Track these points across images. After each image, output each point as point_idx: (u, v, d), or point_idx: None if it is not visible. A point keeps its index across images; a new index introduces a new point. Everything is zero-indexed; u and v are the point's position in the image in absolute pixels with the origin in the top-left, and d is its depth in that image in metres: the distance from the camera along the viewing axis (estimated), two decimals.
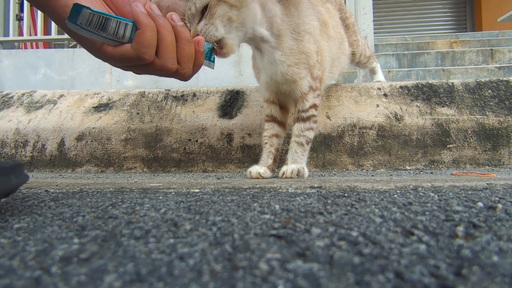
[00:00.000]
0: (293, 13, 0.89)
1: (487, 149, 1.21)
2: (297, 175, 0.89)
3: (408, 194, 0.53)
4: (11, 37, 2.43)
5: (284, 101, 1.03)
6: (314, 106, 0.94)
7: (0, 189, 0.40)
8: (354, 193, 0.54)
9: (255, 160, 1.17)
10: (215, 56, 0.73)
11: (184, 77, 0.59)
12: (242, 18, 0.78)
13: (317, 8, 0.99)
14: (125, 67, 0.57)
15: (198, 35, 0.73)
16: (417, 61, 2.65)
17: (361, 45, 1.36)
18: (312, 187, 0.61)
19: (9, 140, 1.42)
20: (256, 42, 0.87)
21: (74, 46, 2.92)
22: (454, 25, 5.79)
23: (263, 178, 0.93)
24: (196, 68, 0.60)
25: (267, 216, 0.40)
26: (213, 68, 0.71)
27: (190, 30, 0.75)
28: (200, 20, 0.75)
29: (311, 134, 0.95)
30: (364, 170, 1.21)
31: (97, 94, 1.52)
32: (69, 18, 0.47)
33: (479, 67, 2.31)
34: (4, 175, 0.40)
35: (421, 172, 1.12)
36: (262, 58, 0.90)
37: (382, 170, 1.21)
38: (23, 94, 1.58)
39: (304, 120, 0.94)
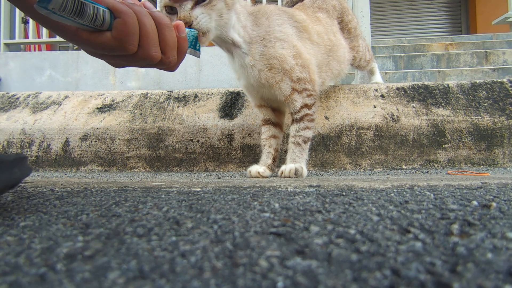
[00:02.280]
0: (263, 22, 0.92)
1: (482, 149, 1.22)
2: (295, 174, 0.90)
3: (404, 193, 0.53)
4: (17, 39, 2.44)
5: (274, 105, 1.05)
6: (306, 106, 0.95)
7: (5, 182, 0.40)
8: (352, 192, 0.54)
9: (255, 160, 1.18)
10: (199, 44, 0.67)
11: (170, 66, 0.55)
12: (227, 19, 0.82)
13: (295, 17, 1.02)
14: (101, 56, 0.52)
15: (189, 20, 0.73)
16: (413, 63, 2.66)
17: (361, 50, 1.36)
18: (310, 186, 0.61)
19: (15, 140, 1.42)
20: (227, 45, 0.89)
21: (79, 49, 2.91)
22: (449, 28, 5.81)
23: (263, 177, 0.94)
24: (180, 56, 0.56)
25: (267, 215, 0.40)
26: (198, 57, 0.67)
27: (177, 11, 0.75)
28: (194, 6, 0.74)
29: (308, 133, 0.96)
30: (361, 170, 1.22)
31: (101, 95, 1.53)
32: (38, 3, 0.42)
33: (473, 69, 2.32)
34: (8, 168, 0.40)
35: (417, 172, 1.13)
36: (234, 62, 0.93)
37: (379, 169, 1.22)
38: (28, 95, 1.58)
39: (298, 120, 0.95)
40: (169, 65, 0.55)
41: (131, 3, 0.49)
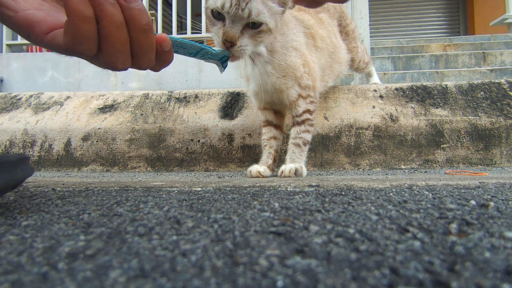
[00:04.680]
0: (284, 31, 0.93)
1: (480, 149, 1.23)
2: (295, 174, 0.91)
3: (403, 192, 0.54)
4: (19, 40, 2.45)
5: (277, 108, 1.07)
6: (308, 111, 0.98)
7: (7, 182, 0.40)
8: (351, 192, 0.55)
9: (255, 160, 1.18)
10: (227, 63, 0.65)
11: (144, 69, 0.48)
12: (266, 42, 0.82)
13: (304, 23, 1.03)
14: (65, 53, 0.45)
15: (235, 42, 0.69)
16: (411, 63, 2.67)
17: (360, 52, 1.38)
18: (310, 186, 0.61)
19: (18, 140, 1.43)
20: (253, 56, 0.89)
21: None
22: (447, 29, 5.82)
23: (263, 177, 0.94)
24: (162, 65, 0.48)
25: (267, 214, 0.40)
26: (221, 72, 0.64)
27: (224, 19, 0.70)
28: (242, 31, 0.71)
29: (307, 136, 0.98)
30: (360, 169, 1.23)
31: (103, 95, 1.53)
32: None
33: (471, 70, 2.33)
34: (11, 168, 0.40)
35: (415, 171, 1.13)
36: (254, 70, 0.93)
37: (378, 169, 1.22)
38: (31, 96, 1.59)
39: (299, 123, 0.98)
40: (144, 69, 0.48)
41: (101, 0, 0.39)
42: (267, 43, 0.83)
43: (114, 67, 0.45)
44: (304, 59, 0.96)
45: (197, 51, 0.54)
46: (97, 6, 0.39)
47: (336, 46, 1.17)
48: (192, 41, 0.53)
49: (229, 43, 0.70)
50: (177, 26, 2.40)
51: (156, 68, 0.49)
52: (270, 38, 0.81)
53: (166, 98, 1.46)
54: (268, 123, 1.06)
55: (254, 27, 0.73)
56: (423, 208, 0.42)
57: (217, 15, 0.72)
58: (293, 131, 0.98)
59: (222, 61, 0.61)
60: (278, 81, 0.93)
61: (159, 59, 0.47)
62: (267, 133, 1.05)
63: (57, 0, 0.48)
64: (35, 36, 0.43)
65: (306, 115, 0.97)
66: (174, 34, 2.36)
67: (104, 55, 0.43)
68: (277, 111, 1.07)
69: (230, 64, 0.66)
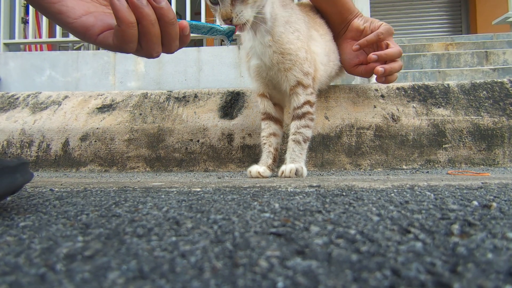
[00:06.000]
0: (288, 10, 0.96)
1: (482, 149, 1.22)
2: (295, 174, 0.90)
3: (404, 193, 0.53)
4: (16, 39, 2.45)
5: (277, 98, 1.05)
6: (308, 102, 0.96)
7: (7, 187, 0.40)
8: (352, 192, 0.54)
9: (255, 160, 1.17)
10: (233, 36, 0.77)
11: (172, 52, 0.59)
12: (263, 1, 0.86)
13: (314, 19, 1.06)
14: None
15: (230, 16, 0.78)
16: (413, 63, 2.66)
17: None
18: (311, 186, 0.61)
19: (15, 140, 1.42)
20: (256, 20, 0.91)
21: (79, 49, 2.93)
22: (449, 27, 5.82)
23: (263, 177, 0.94)
24: (181, 45, 0.59)
25: (267, 215, 0.40)
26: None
27: (219, 2, 0.79)
28: (232, 2, 0.79)
29: (308, 132, 0.96)
30: (361, 170, 1.22)
31: (101, 95, 1.53)
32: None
33: (474, 69, 2.32)
34: (10, 173, 0.40)
35: (417, 172, 1.13)
36: (254, 38, 0.94)
37: (379, 169, 1.22)
38: (28, 95, 1.58)
39: (300, 117, 0.95)
40: (167, 52, 0.58)
41: (140, 5, 0.50)
42: (261, 1, 0.85)
43: (150, 56, 0.55)
44: (306, 46, 0.97)
45: (208, 29, 0.66)
46: (136, 10, 0.49)
47: (334, 49, 1.18)
48: (202, 22, 0.66)
49: (228, 20, 0.78)
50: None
51: (177, 49, 0.59)
52: None
53: (165, 97, 1.46)
54: (267, 116, 1.03)
55: None
56: (424, 209, 0.42)
57: (214, 1, 0.81)
58: (293, 126, 0.96)
59: (228, 36, 0.74)
60: (275, 57, 0.93)
61: (180, 41, 0.57)
62: (266, 128, 1.02)
63: (104, 4, 0.59)
64: (89, 37, 0.54)
65: (307, 107, 0.96)
66: None
67: (142, 47, 0.53)
68: (276, 103, 1.05)
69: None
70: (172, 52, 0.58)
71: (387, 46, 1.09)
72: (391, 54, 1.06)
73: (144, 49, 0.54)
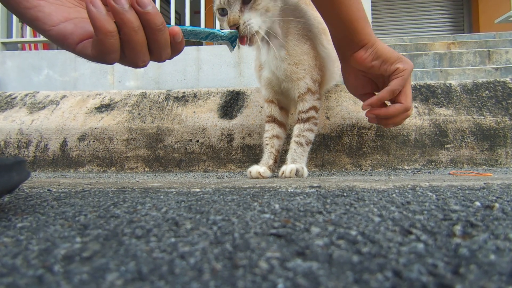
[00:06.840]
0: (300, 19, 0.95)
1: (485, 149, 1.22)
2: (296, 174, 0.90)
3: (406, 193, 0.53)
4: (14, 38, 2.44)
5: (284, 103, 1.06)
6: (314, 108, 0.97)
7: (3, 186, 0.40)
8: (353, 193, 0.54)
9: (255, 160, 1.17)
10: (238, 43, 0.73)
11: (163, 61, 0.54)
12: (275, 10, 0.84)
13: (317, 18, 1.03)
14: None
15: (237, 22, 0.76)
16: (415, 62, 2.65)
17: None
18: (311, 187, 0.61)
19: (12, 140, 1.42)
20: (269, 35, 0.90)
21: None
22: (451, 26, 5.81)
23: (263, 177, 0.94)
24: (174, 53, 0.54)
25: (267, 215, 0.40)
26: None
27: (228, 13, 0.77)
28: (241, 9, 0.77)
29: (310, 135, 0.97)
30: (362, 170, 1.22)
31: (99, 95, 1.52)
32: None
33: (476, 68, 2.32)
34: (6, 172, 0.40)
35: (419, 172, 1.13)
36: (268, 53, 0.94)
37: (380, 169, 1.22)
38: (26, 95, 1.58)
39: (304, 121, 0.96)
40: (158, 61, 0.54)
41: (121, 11, 0.44)
42: (273, 11, 0.83)
43: (135, 65, 0.51)
44: (316, 52, 0.97)
45: (207, 35, 0.61)
46: (117, 15, 0.45)
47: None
48: (200, 27, 0.61)
49: (234, 26, 0.76)
50: (176, 24, 2.40)
51: (169, 58, 0.54)
52: (271, 2, 0.82)
53: (164, 97, 1.46)
54: (272, 119, 1.04)
55: (247, 1, 0.78)
56: (426, 210, 0.42)
57: (222, 12, 0.80)
58: (297, 128, 0.97)
59: (231, 41, 0.69)
60: (289, 68, 0.93)
61: (172, 49, 0.52)
62: (270, 130, 1.03)
63: (82, 4, 0.54)
64: (67, 46, 0.50)
65: (312, 113, 0.97)
66: None
67: (126, 56, 0.49)
68: (283, 106, 1.06)
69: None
70: (163, 61, 0.53)
71: (399, 94, 0.88)
72: (391, 114, 0.86)
73: (128, 58, 0.49)
